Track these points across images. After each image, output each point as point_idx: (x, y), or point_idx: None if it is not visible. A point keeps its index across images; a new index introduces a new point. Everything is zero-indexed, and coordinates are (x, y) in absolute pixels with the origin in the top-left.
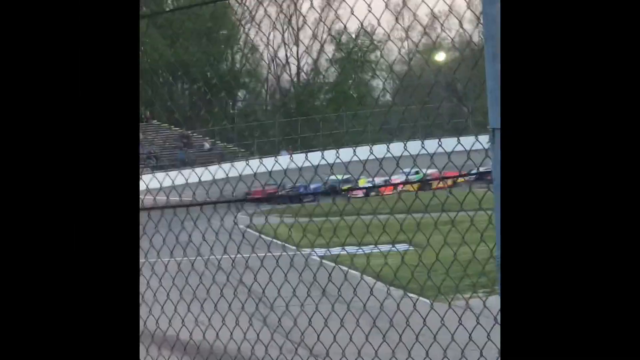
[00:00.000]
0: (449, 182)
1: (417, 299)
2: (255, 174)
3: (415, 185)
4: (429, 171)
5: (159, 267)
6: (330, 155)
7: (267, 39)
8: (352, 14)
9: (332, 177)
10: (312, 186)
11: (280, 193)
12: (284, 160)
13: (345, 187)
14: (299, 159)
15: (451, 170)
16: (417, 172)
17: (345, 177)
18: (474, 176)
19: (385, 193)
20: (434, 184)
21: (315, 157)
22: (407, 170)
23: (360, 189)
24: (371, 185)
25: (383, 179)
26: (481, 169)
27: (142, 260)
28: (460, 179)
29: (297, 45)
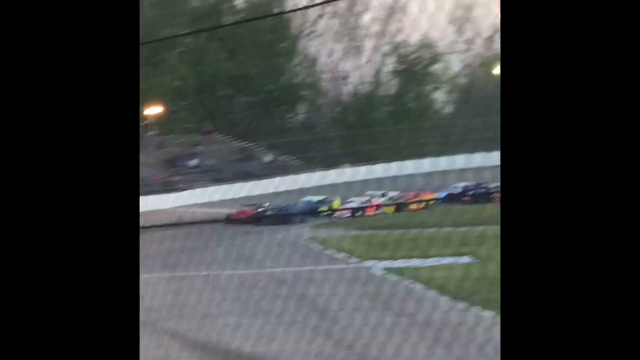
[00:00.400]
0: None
1: (479, 311)
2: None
3: (392, 207)
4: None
5: (220, 280)
6: (385, 168)
7: (328, 51)
8: (413, 26)
9: (309, 198)
10: (298, 206)
11: (267, 214)
12: (346, 173)
13: (324, 207)
14: (360, 171)
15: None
16: (383, 195)
17: (321, 198)
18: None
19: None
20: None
21: (375, 170)
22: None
23: (347, 209)
24: (353, 206)
25: (360, 199)
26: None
27: (204, 272)
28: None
29: (357, 58)
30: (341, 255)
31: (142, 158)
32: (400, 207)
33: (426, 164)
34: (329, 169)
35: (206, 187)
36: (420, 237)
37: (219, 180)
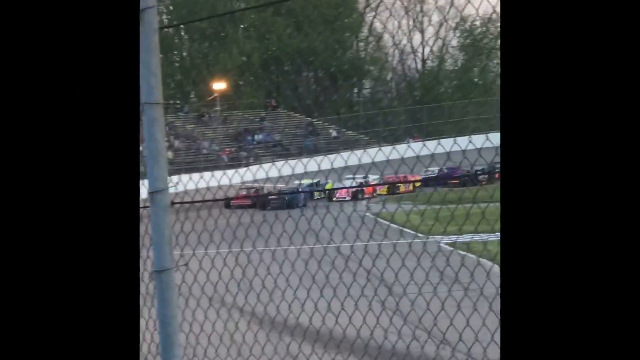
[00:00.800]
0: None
1: None
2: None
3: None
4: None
5: (280, 255)
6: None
7: (394, 26)
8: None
9: (303, 181)
10: (301, 188)
11: (269, 197)
12: (411, 148)
13: (314, 190)
14: (427, 146)
15: None
16: (364, 178)
17: (315, 181)
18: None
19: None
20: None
21: (442, 145)
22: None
23: (345, 188)
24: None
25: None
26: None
27: (262, 248)
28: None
29: (423, 32)
30: (407, 229)
31: (208, 133)
32: (392, 188)
33: (494, 138)
34: (393, 144)
35: (272, 162)
36: (485, 212)
37: (284, 155)
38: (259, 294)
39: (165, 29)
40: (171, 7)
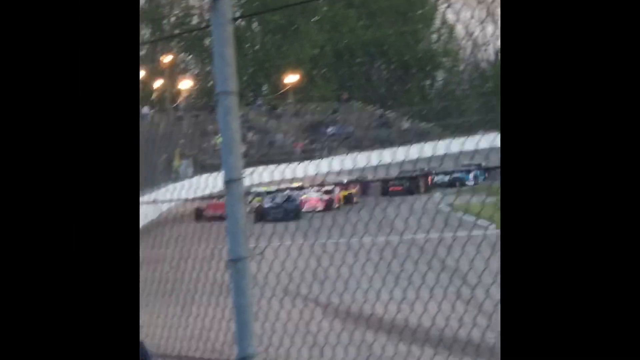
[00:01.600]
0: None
1: None
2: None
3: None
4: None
5: (361, 247)
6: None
7: (467, 17)
8: None
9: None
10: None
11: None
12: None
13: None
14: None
15: None
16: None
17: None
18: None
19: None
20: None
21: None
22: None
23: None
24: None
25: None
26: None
27: (340, 239)
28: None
29: (496, 24)
30: (480, 221)
31: (281, 126)
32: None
33: None
34: (466, 136)
35: (345, 154)
36: None
37: (357, 147)
38: (335, 284)
39: (237, 21)
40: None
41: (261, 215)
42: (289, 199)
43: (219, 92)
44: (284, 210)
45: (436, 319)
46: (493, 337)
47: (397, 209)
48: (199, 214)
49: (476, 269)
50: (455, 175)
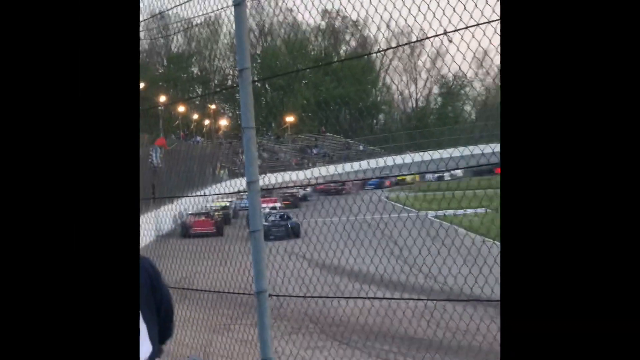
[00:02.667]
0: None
1: (492, 243)
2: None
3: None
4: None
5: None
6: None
7: (398, 80)
8: (451, 64)
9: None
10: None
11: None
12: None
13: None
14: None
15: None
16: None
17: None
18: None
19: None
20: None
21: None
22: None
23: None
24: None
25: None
26: None
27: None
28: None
29: (416, 84)
30: (409, 208)
31: (282, 149)
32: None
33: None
34: (397, 155)
35: (323, 166)
36: (453, 197)
37: (330, 162)
38: (323, 245)
39: (255, 83)
40: (259, 69)
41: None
42: (286, 216)
43: (244, 127)
44: (285, 228)
45: (376, 265)
46: (407, 275)
47: (351, 200)
48: (185, 231)
49: (403, 236)
50: (373, 181)
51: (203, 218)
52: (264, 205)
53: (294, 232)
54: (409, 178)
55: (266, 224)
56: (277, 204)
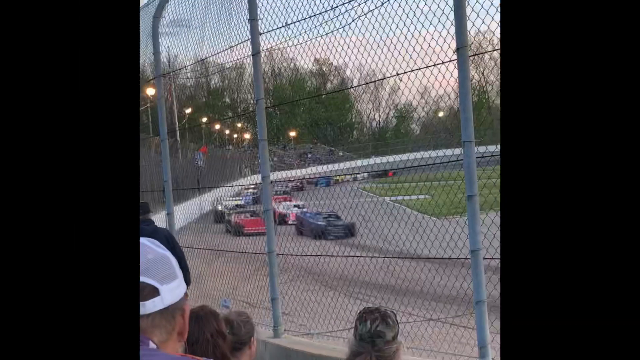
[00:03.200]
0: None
1: (430, 218)
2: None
3: None
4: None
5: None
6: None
7: (366, 108)
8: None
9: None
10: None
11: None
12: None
13: None
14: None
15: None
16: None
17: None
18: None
19: None
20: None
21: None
22: None
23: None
24: None
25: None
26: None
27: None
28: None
29: (379, 110)
30: (372, 194)
31: (287, 154)
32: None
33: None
34: (366, 158)
35: (315, 166)
36: (401, 186)
37: (319, 163)
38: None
39: (267, 109)
40: (272, 99)
41: (316, 234)
42: (336, 216)
43: (260, 139)
44: (342, 228)
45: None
46: (371, 239)
47: (328, 190)
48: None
49: (367, 211)
50: (323, 180)
51: (249, 217)
52: (286, 202)
53: (350, 232)
54: (340, 178)
55: (321, 223)
56: (300, 202)
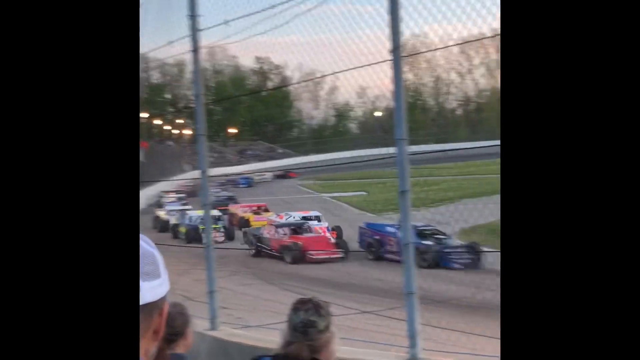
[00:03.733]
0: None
1: (364, 213)
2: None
3: None
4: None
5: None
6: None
7: (306, 107)
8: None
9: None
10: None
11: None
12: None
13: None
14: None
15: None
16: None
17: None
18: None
19: None
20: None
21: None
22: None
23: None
24: None
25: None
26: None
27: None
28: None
29: (318, 108)
30: (311, 191)
31: (228, 150)
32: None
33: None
34: (305, 155)
35: (254, 163)
36: (342, 184)
37: (260, 159)
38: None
39: (208, 105)
40: (213, 95)
41: (431, 261)
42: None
43: (198, 134)
44: (472, 259)
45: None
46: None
47: (275, 185)
48: (297, 256)
49: (303, 203)
50: (243, 181)
51: (310, 235)
52: (303, 214)
53: (479, 262)
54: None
55: (443, 249)
56: (319, 214)
